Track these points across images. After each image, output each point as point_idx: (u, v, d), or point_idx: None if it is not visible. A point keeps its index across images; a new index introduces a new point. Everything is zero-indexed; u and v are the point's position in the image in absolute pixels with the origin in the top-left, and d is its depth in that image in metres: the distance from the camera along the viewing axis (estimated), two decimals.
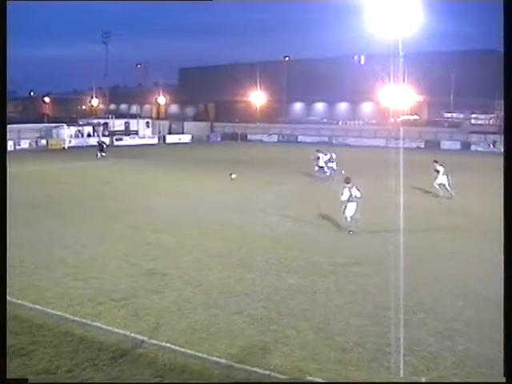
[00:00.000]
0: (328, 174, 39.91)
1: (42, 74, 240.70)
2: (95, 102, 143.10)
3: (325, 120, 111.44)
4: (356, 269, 17.53)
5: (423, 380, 10.60)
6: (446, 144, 78.83)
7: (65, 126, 78.92)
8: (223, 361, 11.13)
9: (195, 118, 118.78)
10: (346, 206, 23.09)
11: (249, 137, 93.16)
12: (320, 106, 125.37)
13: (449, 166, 33.55)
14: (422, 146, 78.20)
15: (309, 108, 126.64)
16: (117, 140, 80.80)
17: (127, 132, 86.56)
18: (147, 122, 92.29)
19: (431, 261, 18.72)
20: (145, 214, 27.02)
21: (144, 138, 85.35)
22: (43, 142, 72.58)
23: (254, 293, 15.16)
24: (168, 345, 11.85)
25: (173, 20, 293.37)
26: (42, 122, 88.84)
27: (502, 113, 46.87)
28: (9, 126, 72.98)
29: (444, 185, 32.01)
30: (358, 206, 23.02)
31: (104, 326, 12.74)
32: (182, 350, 11.65)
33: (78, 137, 78.90)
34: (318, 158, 41.20)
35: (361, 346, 11.85)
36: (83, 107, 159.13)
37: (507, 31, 7.79)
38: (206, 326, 12.88)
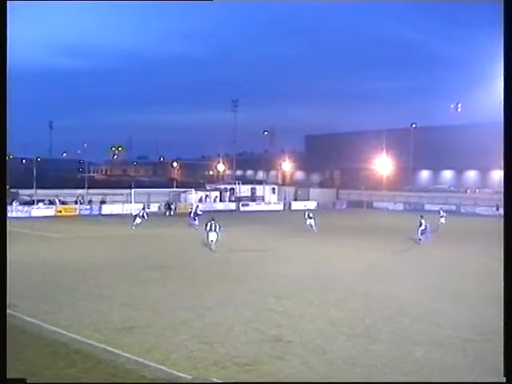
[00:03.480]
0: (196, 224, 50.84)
1: (172, 141, 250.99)
2: (221, 167, 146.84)
3: (452, 188, 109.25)
4: (487, 345, 16.76)
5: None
6: None
7: (193, 190, 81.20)
8: None
9: (321, 185, 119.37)
10: (208, 234, 37.07)
11: (374, 204, 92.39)
12: (448, 174, 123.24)
13: None
14: None
15: (436, 176, 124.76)
16: (243, 206, 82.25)
17: (253, 198, 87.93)
18: (273, 188, 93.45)
19: None
20: (268, 280, 27.20)
21: (270, 204, 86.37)
22: (172, 206, 74.83)
23: (379, 364, 14.84)
24: None
25: (299, 88, 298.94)
26: (170, 186, 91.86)
27: None
28: (139, 189, 76.32)
29: None
30: (218, 235, 36.92)
31: None
32: None
33: (205, 201, 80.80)
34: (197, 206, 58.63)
35: None
36: (210, 172, 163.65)
37: (507, 31, 7.98)
38: None
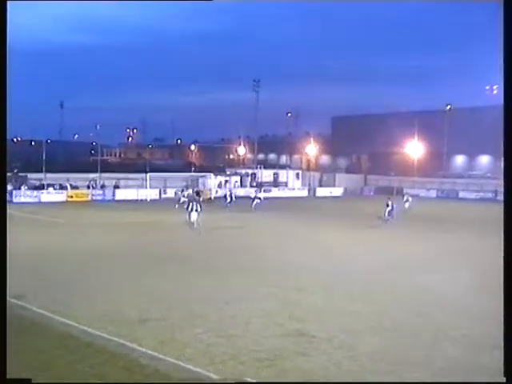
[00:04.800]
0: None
1: (190, 122, 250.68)
2: (242, 151, 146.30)
3: (489, 174, 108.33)
4: None
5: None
6: None
7: (211, 175, 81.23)
8: None
9: (347, 170, 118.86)
10: (189, 214, 42.05)
11: (405, 191, 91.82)
12: (484, 160, 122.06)
13: None
14: None
15: (471, 161, 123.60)
16: (265, 191, 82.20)
17: (276, 183, 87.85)
18: (297, 174, 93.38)
19: None
20: (290, 271, 27.23)
21: (293, 190, 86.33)
22: (190, 191, 74.76)
23: (408, 361, 14.83)
24: None
25: (325, 67, 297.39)
26: (188, 170, 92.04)
27: None
28: (156, 173, 76.57)
29: None
30: (198, 215, 41.88)
31: None
32: None
33: (224, 187, 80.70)
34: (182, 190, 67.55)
35: None
36: (230, 156, 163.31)
37: (507, 31, 8.40)
38: None
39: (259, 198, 61.70)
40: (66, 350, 15.04)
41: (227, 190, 70.72)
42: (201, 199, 67.47)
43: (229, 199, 60.71)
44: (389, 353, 15.50)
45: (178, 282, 24.24)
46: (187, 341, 16.13)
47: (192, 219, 42.03)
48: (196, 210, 42.26)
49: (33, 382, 10.52)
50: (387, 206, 49.84)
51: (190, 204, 43.36)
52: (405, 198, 57.40)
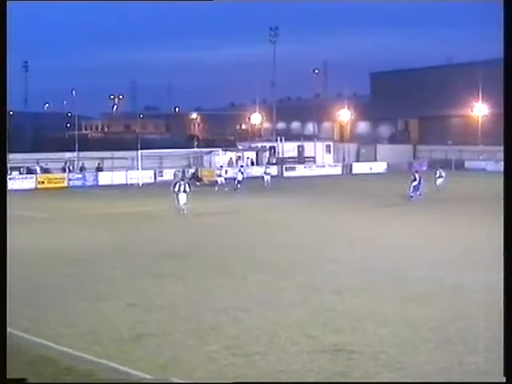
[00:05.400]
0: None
1: (191, 85, 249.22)
2: (258, 118, 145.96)
3: None
4: None
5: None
6: None
7: (219, 151, 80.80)
8: None
9: (392, 140, 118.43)
10: (177, 196, 44.78)
11: (466, 164, 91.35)
12: None
13: None
14: None
15: None
16: (287, 170, 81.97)
17: (301, 159, 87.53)
18: (327, 146, 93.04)
19: None
20: (324, 269, 27.20)
21: (323, 166, 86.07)
22: (192, 171, 74.35)
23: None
24: None
25: (361, 9, 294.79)
26: (190, 146, 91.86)
27: None
28: (149, 151, 76.51)
29: None
30: (187, 196, 44.75)
31: None
32: None
33: (236, 165, 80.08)
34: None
35: None
36: (242, 126, 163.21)
37: (507, 31, 9.62)
38: None
39: (269, 174, 67.77)
40: (40, 378, 14.95)
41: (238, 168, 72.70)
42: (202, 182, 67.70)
43: (240, 177, 63.09)
44: (455, 372, 15.36)
45: (184, 286, 24.26)
46: (195, 362, 15.99)
47: (180, 202, 44.97)
48: (184, 191, 45.10)
49: (30, 381, 11.17)
50: (414, 180, 53.18)
51: (177, 184, 45.87)
52: (437, 173, 57.99)
